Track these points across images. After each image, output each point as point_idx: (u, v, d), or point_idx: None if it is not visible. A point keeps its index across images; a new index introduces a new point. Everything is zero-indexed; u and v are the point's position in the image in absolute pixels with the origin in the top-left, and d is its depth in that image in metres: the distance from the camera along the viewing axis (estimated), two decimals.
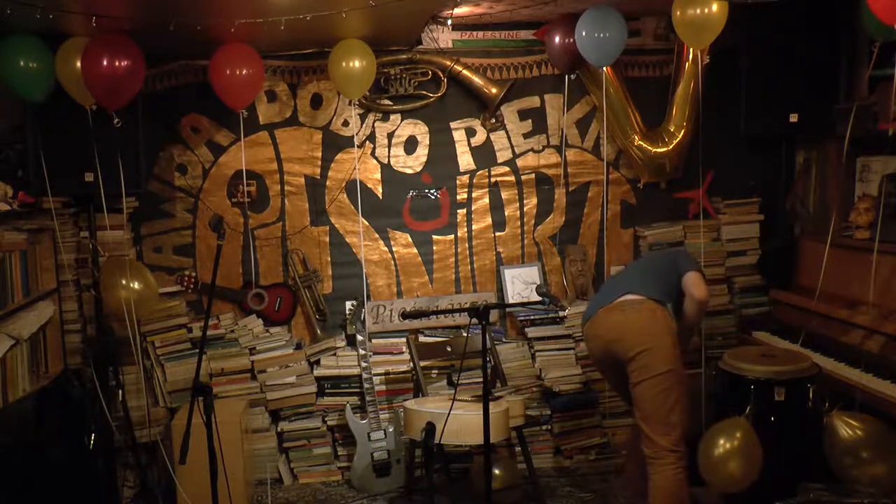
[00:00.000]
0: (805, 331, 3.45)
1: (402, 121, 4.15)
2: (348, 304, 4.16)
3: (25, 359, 3.28)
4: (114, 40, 3.26)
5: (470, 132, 4.20)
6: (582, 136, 4.24)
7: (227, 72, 3.60)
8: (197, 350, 2.92)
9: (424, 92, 4.11)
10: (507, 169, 4.24)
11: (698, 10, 3.25)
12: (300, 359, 4.05)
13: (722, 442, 2.89)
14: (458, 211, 4.25)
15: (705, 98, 3.90)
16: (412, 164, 4.20)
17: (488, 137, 4.20)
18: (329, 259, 4.20)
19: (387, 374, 4.08)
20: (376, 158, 4.17)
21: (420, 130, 4.17)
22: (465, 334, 4.07)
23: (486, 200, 4.26)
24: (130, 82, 3.36)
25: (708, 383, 3.84)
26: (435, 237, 4.25)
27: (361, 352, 3.96)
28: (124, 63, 3.27)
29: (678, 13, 3.31)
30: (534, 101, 4.19)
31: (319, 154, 4.14)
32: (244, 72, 3.61)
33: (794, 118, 3.77)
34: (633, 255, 4.29)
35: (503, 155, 4.23)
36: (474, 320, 2.64)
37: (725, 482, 2.92)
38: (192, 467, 2.67)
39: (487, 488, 2.70)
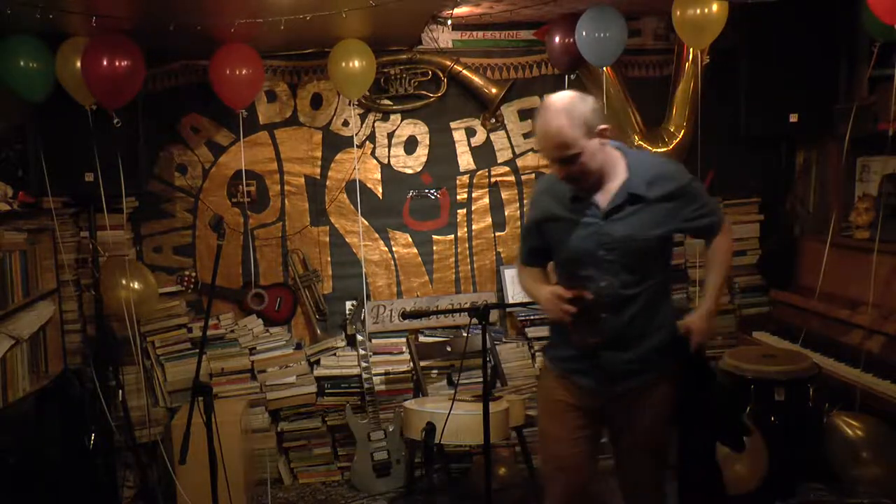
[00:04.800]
0: (805, 331, 3.45)
1: (402, 121, 4.15)
2: (348, 304, 4.16)
3: (25, 359, 3.28)
4: (114, 40, 3.26)
5: (470, 132, 4.20)
6: None
7: (227, 72, 3.60)
8: (197, 350, 2.92)
9: (424, 92, 4.10)
10: (507, 169, 4.23)
11: (698, 10, 3.25)
12: (300, 359, 4.05)
13: None
14: (458, 211, 4.24)
15: (705, 98, 3.89)
16: (412, 164, 4.20)
17: (488, 137, 4.20)
18: (329, 259, 4.20)
19: (387, 374, 4.07)
20: (376, 158, 4.17)
21: (420, 130, 4.17)
22: (465, 334, 4.07)
23: (486, 200, 4.25)
24: (130, 82, 3.36)
25: None
26: (435, 237, 4.25)
27: (361, 352, 3.96)
28: (124, 63, 3.27)
29: (678, 13, 3.32)
30: (534, 101, 4.18)
31: (319, 154, 4.14)
32: (244, 72, 3.61)
33: (794, 118, 3.77)
34: None
35: (503, 155, 4.22)
36: (474, 320, 2.64)
37: (731, 483, 2.91)
38: (192, 467, 2.67)
39: (487, 488, 2.70)
